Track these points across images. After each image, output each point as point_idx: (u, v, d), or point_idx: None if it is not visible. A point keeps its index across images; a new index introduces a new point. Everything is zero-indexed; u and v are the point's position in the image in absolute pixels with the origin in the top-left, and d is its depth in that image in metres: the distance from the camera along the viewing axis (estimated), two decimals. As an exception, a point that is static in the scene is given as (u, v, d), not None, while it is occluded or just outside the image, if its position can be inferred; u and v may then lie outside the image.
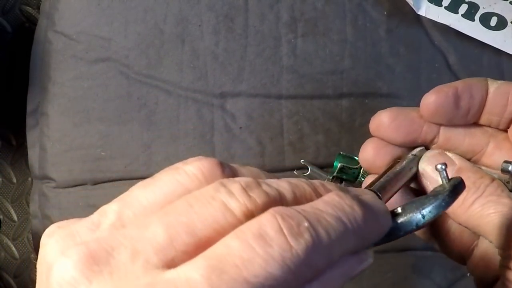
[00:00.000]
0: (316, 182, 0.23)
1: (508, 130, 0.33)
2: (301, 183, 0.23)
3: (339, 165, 0.53)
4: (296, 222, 0.19)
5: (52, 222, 0.61)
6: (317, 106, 0.54)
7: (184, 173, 0.22)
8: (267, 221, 0.19)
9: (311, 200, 0.22)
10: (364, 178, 0.51)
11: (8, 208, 0.95)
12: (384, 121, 0.35)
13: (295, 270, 0.19)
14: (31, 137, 0.58)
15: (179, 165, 0.23)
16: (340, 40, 0.54)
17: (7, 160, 0.94)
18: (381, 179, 0.31)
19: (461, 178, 0.27)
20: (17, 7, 0.91)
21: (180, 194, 0.21)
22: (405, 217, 0.26)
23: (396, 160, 0.34)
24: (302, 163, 0.53)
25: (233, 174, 0.23)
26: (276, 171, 0.54)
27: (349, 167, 0.52)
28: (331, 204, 0.22)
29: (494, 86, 0.32)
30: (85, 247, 0.19)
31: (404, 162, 0.33)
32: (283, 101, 0.54)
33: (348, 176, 0.52)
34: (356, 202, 0.22)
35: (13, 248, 0.95)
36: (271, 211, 0.20)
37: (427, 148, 0.34)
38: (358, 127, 0.54)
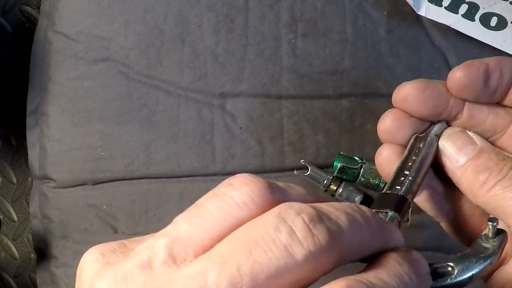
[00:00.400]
0: (365, 211, 0.23)
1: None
2: (355, 214, 0.22)
3: (339, 165, 0.53)
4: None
5: (52, 222, 0.61)
6: (317, 106, 0.54)
7: (233, 202, 0.21)
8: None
9: (362, 234, 0.22)
10: (364, 178, 0.51)
11: (8, 208, 0.95)
12: (411, 93, 0.33)
13: None
14: (31, 137, 0.58)
15: (225, 190, 0.21)
16: (340, 40, 0.54)
17: (7, 160, 0.94)
18: (408, 176, 0.31)
19: (506, 232, 0.27)
20: (17, 7, 0.91)
21: (231, 227, 0.20)
22: (456, 280, 0.26)
23: (417, 136, 0.33)
24: (302, 163, 0.53)
25: (283, 196, 0.22)
26: (276, 171, 0.54)
27: (349, 167, 0.52)
28: (393, 274, 0.22)
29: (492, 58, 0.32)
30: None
31: (425, 147, 0.32)
32: (283, 101, 0.54)
33: (348, 176, 0.52)
34: (412, 270, 0.22)
35: (13, 248, 0.95)
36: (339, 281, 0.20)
37: (448, 123, 0.33)
38: (358, 127, 0.54)
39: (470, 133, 0.32)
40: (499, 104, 0.33)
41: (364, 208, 0.23)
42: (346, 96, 0.54)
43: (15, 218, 0.95)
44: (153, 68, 0.55)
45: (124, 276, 0.19)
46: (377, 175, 0.51)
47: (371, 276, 0.21)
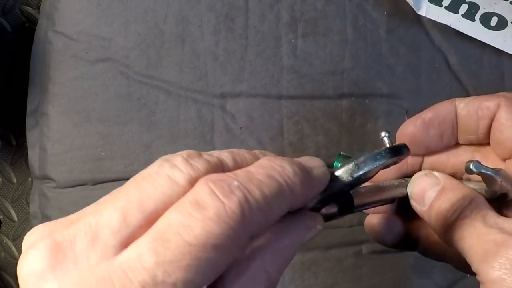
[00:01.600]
0: (256, 151, 0.26)
1: (490, 142, 0.33)
2: (242, 151, 0.25)
3: (339, 165, 0.53)
4: (227, 183, 0.21)
5: (52, 222, 0.61)
6: (317, 107, 0.54)
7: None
8: (200, 188, 0.21)
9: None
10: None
11: (8, 208, 0.95)
12: None
13: (234, 225, 0.20)
14: (31, 137, 0.58)
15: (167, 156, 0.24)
16: (341, 40, 0.54)
17: (7, 160, 0.94)
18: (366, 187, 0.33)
19: (405, 144, 0.30)
20: (17, 7, 0.91)
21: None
22: (341, 169, 0.28)
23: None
24: (302, 163, 0.53)
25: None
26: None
27: (349, 167, 0.52)
28: (262, 165, 0.23)
29: (461, 106, 0.34)
30: (51, 239, 0.20)
31: (394, 181, 0.35)
32: (283, 102, 0.54)
33: (348, 176, 0.52)
34: (286, 161, 0.24)
35: (13, 248, 0.95)
36: (202, 179, 0.21)
37: None
38: (358, 127, 0.54)
39: (436, 173, 0.33)
40: (457, 144, 0.35)
41: (261, 151, 0.26)
42: (346, 96, 0.54)
43: (15, 218, 0.95)
44: (153, 68, 0.55)
45: (49, 230, 0.22)
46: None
47: (238, 171, 0.23)
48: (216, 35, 0.54)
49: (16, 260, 0.96)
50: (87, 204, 0.23)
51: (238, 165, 0.24)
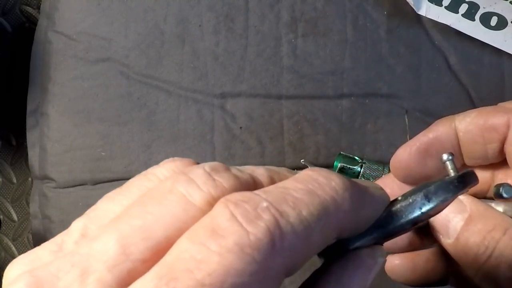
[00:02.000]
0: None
1: (509, 164, 0.27)
2: (282, 169, 0.20)
3: (339, 165, 0.53)
4: (252, 204, 0.17)
5: (52, 222, 0.62)
6: (317, 107, 0.54)
7: (154, 177, 0.20)
8: (219, 211, 0.16)
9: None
10: (364, 178, 0.51)
11: (8, 208, 0.95)
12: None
13: (260, 258, 0.16)
14: (31, 137, 0.58)
15: (150, 169, 0.20)
16: (341, 40, 0.54)
17: (7, 160, 0.94)
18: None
19: (473, 171, 0.23)
20: (17, 7, 0.91)
21: None
22: (407, 200, 0.21)
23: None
24: (303, 163, 0.53)
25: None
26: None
27: (349, 167, 0.52)
28: (302, 178, 0.18)
29: (462, 129, 0.27)
30: (31, 275, 0.16)
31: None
32: (283, 101, 0.54)
33: (348, 176, 0.52)
34: (335, 173, 0.19)
35: (13, 248, 0.95)
36: (222, 199, 0.17)
37: None
38: (358, 127, 0.54)
39: (461, 197, 0.26)
40: (464, 164, 0.29)
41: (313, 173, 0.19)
42: (346, 96, 0.54)
43: (15, 218, 0.95)
44: (153, 68, 0.55)
45: (33, 259, 0.18)
46: (377, 175, 0.51)
47: (269, 187, 0.18)
48: (216, 35, 0.54)
49: (16, 260, 0.96)
50: (87, 204, 0.23)
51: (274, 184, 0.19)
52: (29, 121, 0.58)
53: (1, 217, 0.95)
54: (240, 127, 0.54)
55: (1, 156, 0.94)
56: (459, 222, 0.26)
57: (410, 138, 0.55)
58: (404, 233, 0.22)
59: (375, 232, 0.21)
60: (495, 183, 0.28)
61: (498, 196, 0.25)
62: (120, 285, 0.16)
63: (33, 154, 0.57)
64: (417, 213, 0.21)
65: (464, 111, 0.56)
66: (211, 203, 0.17)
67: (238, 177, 0.18)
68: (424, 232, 0.29)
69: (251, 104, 0.54)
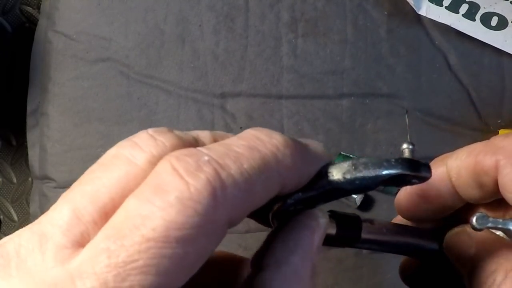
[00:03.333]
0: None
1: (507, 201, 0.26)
2: (227, 134, 0.21)
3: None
4: (194, 158, 0.17)
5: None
6: (318, 106, 0.54)
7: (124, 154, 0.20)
8: (161, 167, 0.17)
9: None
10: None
11: (8, 208, 0.95)
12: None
13: (202, 210, 0.16)
14: (31, 137, 0.58)
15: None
16: (341, 40, 0.54)
17: (7, 160, 0.94)
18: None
19: (428, 164, 0.23)
20: (17, 7, 0.91)
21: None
22: (335, 165, 0.22)
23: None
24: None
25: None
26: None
27: (350, 167, 0.52)
28: (244, 136, 0.19)
29: (454, 175, 0.27)
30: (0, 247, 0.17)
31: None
32: (284, 101, 0.54)
33: (349, 176, 0.52)
34: (277, 133, 0.20)
35: (13, 248, 0.95)
36: (166, 156, 0.17)
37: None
38: (359, 127, 0.53)
39: (471, 230, 0.26)
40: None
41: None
42: (346, 96, 0.54)
43: (15, 218, 0.95)
44: (153, 68, 0.55)
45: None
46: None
47: (212, 144, 0.19)
48: (216, 35, 0.54)
49: (16, 260, 0.96)
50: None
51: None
52: (29, 121, 0.58)
53: (1, 217, 0.95)
54: (240, 127, 0.54)
55: (1, 156, 0.94)
56: (468, 258, 0.25)
57: (410, 138, 0.56)
58: (335, 197, 0.23)
59: (301, 191, 0.22)
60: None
61: (474, 228, 0.25)
62: (75, 246, 0.17)
63: (33, 154, 0.57)
64: (340, 178, 0.22)
65: (464, 111, 0.56)
66: (154, 162, 0.18)
67: (181, 137, 0.19)
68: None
69: (251, 104, 0.54)
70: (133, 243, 0.16)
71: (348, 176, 0.22)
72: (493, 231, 0.26)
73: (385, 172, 0.22)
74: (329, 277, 0.53)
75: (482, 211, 0.25)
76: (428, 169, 0.23)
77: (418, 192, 0.28)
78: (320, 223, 0.22)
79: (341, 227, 0.25)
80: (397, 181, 0.23)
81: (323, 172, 0.22)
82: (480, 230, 0.24)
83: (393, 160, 0.22)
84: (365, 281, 0.53)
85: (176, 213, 0.16)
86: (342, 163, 0.22)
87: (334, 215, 0.26)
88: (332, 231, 0.25)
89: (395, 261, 0.54)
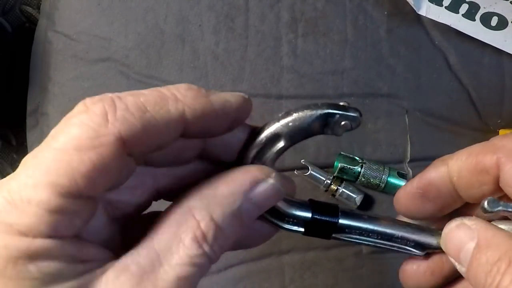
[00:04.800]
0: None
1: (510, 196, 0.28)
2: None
3: (339, 165, 0.53)
4: (101, 96, 0.22)
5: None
6: (318, 106, 0.54)
7: None
8: (78, 104, 0.23)
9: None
10: (364, 178, 0.51)
11: (8, 208, 0.95)
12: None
13: (93, 125, 0.21)
14: (31, 137, 0.58)
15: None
16: (341, 40, 0.54)
17: (7, 160, 0.94)
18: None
19: (357, 108, 0.26)
20: (17, 7, 0.91)
21: None
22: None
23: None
24: (303, 163, 0.53)
25: None
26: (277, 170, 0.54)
27: (350, 167, 0.52)
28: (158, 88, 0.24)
29: (455, 175, 0.28)
30: None
31: None
32: (284, 101, 0.54)
33: (349, 176, 0.52)
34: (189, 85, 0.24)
35: (13, 248, 0.95)
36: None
37: None
38: (359, 127, 0.53)
39: (469, 222, 0.27)
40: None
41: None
42: (346, 96, 0.54)
43: (15, 218, 0.95)
44: (153, 68, 0.55)
45: None
46: (377, 175, 0.51)
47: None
48: (216, 35, 0.54)
49: (16, 260, 0.96)
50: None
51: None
52: (29, 121, 0.58)
53: (1, 217, 0.95)
54: (240, 127, 0.54)
55: (1, 156, 0.94)
56: (469, 250, 0.26)
57: (410, 138, 0.56)
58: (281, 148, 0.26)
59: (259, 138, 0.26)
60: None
61: (484, 211, 0.26)
62: None
63: (33, 154, 0.57)
64: (275, 122, 0.26)
65: (464, 111, 0.56)
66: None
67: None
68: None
69: (251, 104, 0.54)
70: (43, 156, 0.21)
71: (282, 121, 0.26)
72: (496, 223, 0.27)
73: (313, 112, 0.25)
74: (329, 277, 0.53)
75: (492, 197, 0.25)
76: (355, 110, 0.26)
77: (418, 191, 0.29)
78: (269, 182, 0.25)
79: (317, 211, 0.27)
80: (332, 125, 0.26)
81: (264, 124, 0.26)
82: (490, 213, 0.25)
83: (321, 103, 0.25)
84: (365, 281, 0.53)
85: (74, 128, 0.21)
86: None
87: (311, 202, 0.27)
88: (308, 214, 0.27)
89: (395, 261, 0.54)
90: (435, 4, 0.52)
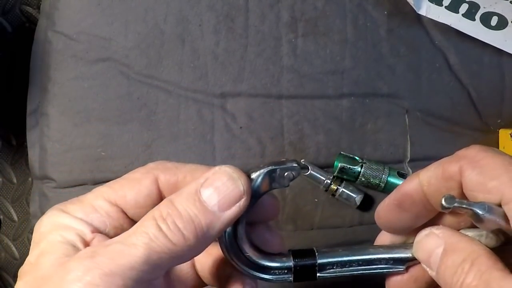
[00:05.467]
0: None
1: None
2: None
3: (339, 165, 0.53)
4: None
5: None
6: (318, 106, 0.54)
7: None
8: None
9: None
10: (364, 178, 0.51)
11: (8, 208, 0.95)
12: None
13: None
14: (31, 137, 0.58)
15: None
16: (341, 40, 0.54)
17: (7, 160, 0.94)
18: None
19: (296, 160, 0.30)
20: (17, 7, 0.91)
21: None
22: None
23: None
24: (303, 163, 0.53)
25: None
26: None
27: (350, 167, 0.52)
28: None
29: (425, 184, 0.31)
30: None
31: None
32: (284, 101, 0.54)
33: (349, 176, 0.52)
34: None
35: (13, 248, 0.95)
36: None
37: None
38: (359, 127, 0.53)
39: (437, 231, 0.31)
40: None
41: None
42: (346, 96, 0.54)
43: (15, 218, 0.95)
44: (153, 68, 0.55)
45: None
46: (377, 175, 0.51)
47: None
48: (216, 34, 0.54)
49: (16, 260, 0.96)
50: (87, 204, 0.24)
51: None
52: (29, 121, 0.58)
53: (1, 217, 0.95)
54: (240, 127, 0.54)
55: (1, 156, 0.94)
56: (438, 255, 0.29)
57: (410, 138, 0.56)
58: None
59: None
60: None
61: (442, 208, 0.28)
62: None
63: (33, 154, 0.57)
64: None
65: (464, 111, 0.56)
66: None
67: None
68: None
69: (251, 104, 0.54)
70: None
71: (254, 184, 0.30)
72: (464, 231, 0.31)
73: (257, 173, 0.30)
74: (329, 277, 0.52)
75: (450, 194, 0.28)
76: (293, 161, 0.30)
77: (395, 202, 0.32)
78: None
79: (297, 257, 0.31)
80: (277, 179, 0.30)
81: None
82: (448, 209, 0.28)
83: (262, 165, 0.30)
84: (365, 281, 0.53)
85: None
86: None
87: (290, 251, 0.32)
88: (290, 263, 0.31)
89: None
90: (435, 4, 0.52)
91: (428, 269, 0.30)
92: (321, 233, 0.53)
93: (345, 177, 0.52)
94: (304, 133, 0.54)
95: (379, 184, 0.51)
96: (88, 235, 0.29)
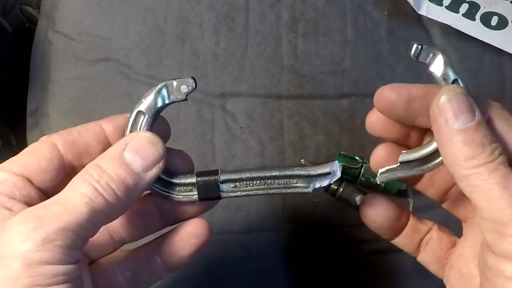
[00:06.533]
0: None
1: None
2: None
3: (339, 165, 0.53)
4: None
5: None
6: (318, 106, 0.54)
7: None
8: None
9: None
10: (364, 178, 0.51)
11: (8, 208, 0.95)
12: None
13: None
14: (31, 137, 0.58)
15: None
16: (341, 40, 0.54)
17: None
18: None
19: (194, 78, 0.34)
20: (17, 7, 0.91)
21: None
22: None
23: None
24: (303, 163, 0.53)
25: None
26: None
27: (350, 167, 0.52)
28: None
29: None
30: None
31: None
32: (284, 101, 0.54)
33: (349, 176, 0.52)
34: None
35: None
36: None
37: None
38: (359, 127, 0.53)
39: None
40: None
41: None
42: (346, 96, 0.54)
43: (15, 218, 0.95)
44: (154, 68, 0.55)
45: None
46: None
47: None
48: (216, 35, 0.54)
49: (16, 260, 0.95)
50: (87, 204, 0.24)
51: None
52: (29, 121, 0.58)
53: (1, 217, 0.95)
54: (241, 127, 0.54)
55: (1, 156, 0.94)
56: (468, 119, 0.29)
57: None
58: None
59: None
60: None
61: (413, 56, 0.33)
62: None
63: (33, 154, 0.57)
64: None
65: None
66: None
67: None
68: None
69: (251, 104, 0.54)
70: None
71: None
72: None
73: (157, 87, 0.36)
74: (329, 277, 0.53)
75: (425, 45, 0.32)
76: (190, 77, 0.35)
77: (414, 94, 0.35)
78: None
79: (201, 175, 0.34)
80: (175, 93, 0.36)
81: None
82: (417, 56, 0.34)
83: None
84: (365, 281, 0.53)
85: None
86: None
87: (196, 172, 0.34)
88: (193, 179, 0.34)
89: (395, 261, 0.54)
90: (435, 4, 0.52)
91: (446, 120, 0.30)
92: (321, 233, 0.53)
93: (345, 177, 0.52)
94: (304, 133, 0.54)
95: (379, 183, 0.51)
96: (7, 202, 0.30)
